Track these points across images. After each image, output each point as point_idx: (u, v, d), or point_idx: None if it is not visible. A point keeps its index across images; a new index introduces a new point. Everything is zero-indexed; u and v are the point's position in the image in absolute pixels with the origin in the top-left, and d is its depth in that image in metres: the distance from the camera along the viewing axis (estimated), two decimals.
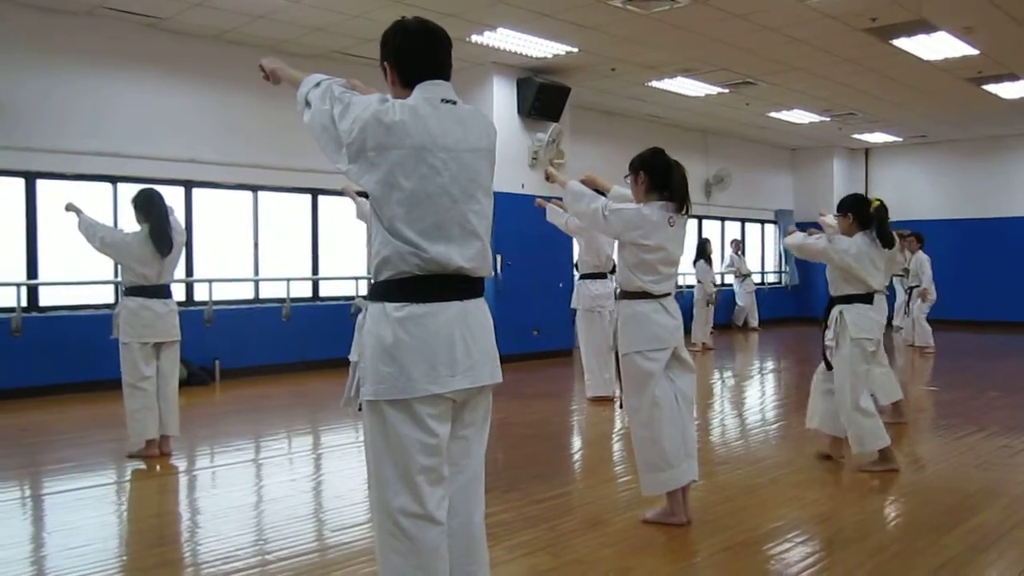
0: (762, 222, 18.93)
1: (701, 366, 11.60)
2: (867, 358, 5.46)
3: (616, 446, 6.46)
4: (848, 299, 5.46)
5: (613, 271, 7.20)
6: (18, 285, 8.62)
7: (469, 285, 2.58)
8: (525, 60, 11.06)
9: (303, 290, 11.02)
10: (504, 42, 10.19)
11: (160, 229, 5.97)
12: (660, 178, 4.34)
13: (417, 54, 2.57)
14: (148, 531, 4.50)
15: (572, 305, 8.46)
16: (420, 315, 2.47)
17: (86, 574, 3.76)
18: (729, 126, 16.24)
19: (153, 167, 9.43)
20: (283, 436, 7.07)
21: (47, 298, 8.93)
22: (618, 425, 7.19)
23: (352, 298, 10.75)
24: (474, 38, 9.99)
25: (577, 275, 8.51)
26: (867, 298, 5.47)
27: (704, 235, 16.29)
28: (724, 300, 15.83)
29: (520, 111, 11.59)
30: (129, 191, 9.30)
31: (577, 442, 6.99)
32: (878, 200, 5.59)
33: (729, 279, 16.95)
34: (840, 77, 12.07)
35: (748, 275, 16.92)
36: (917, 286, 12.79)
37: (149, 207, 6.04)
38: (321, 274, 11.14)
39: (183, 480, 5.64)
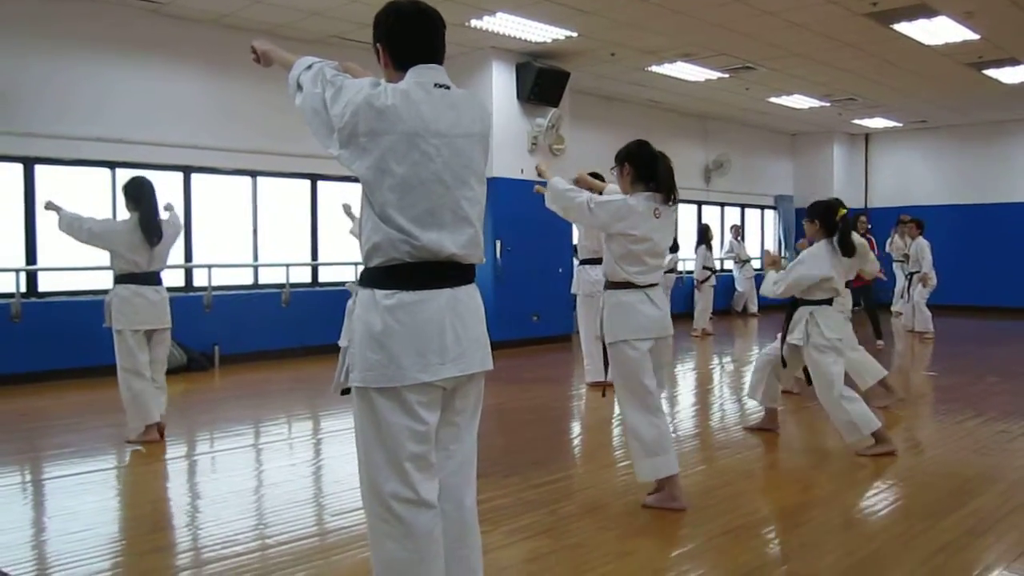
0: (762, 208, 18.91)
1: (701, 352, 11.62)
2: (841, 353, 5.64)
3: (616, 431, 6.47)
4: (816, 301, 5.64)
5: None
6: (17, 271, 8.62)
7: (460, 272, 2.55)
8: (524, 45, 11.02)
9: (302, 275, 11.02)
10: (503, 26, 10.15)
11: (149, 217, 5.93)
12: (646, 169, 4.36)
13: (410, 36, 2.54)
14: (148, 516, 4.51)
15: (572, 290, 8.47)
16: (410, 303, 2.44)
17: (86, 559, 3.76)
18: (729, 111, 16.19)
19: (152, 153, 9.42)
20: (283, 421, 7.08)
21: (46, 284, 8.93)
22: (617, 410, 7.19)
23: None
24: (473, 22, 9.95)
25: (576, 260, 8.51)
26: (830, 300, 5.69)
27: (704, 221, 16.31)
28: (724, 286, 15.83)
29: (519, 96, 11.56)
30: (128, 177, 9.33)
31: (576, 427, 7.01)
32: (844, 210, 5.78)
33: (729, 264, 16.96)
34: (840, 62, 12.03)
35: (748, 261, 16.92)
36: (917, 272, 12.78)
37: (139, 195, 6.01)
38: (320, 260, 11.13)
39: (183, 465, 5.64)
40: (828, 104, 15.38)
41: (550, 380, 9.01)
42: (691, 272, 14.77)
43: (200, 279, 10.02)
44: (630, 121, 15.13)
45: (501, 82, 11.41)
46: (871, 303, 11.74)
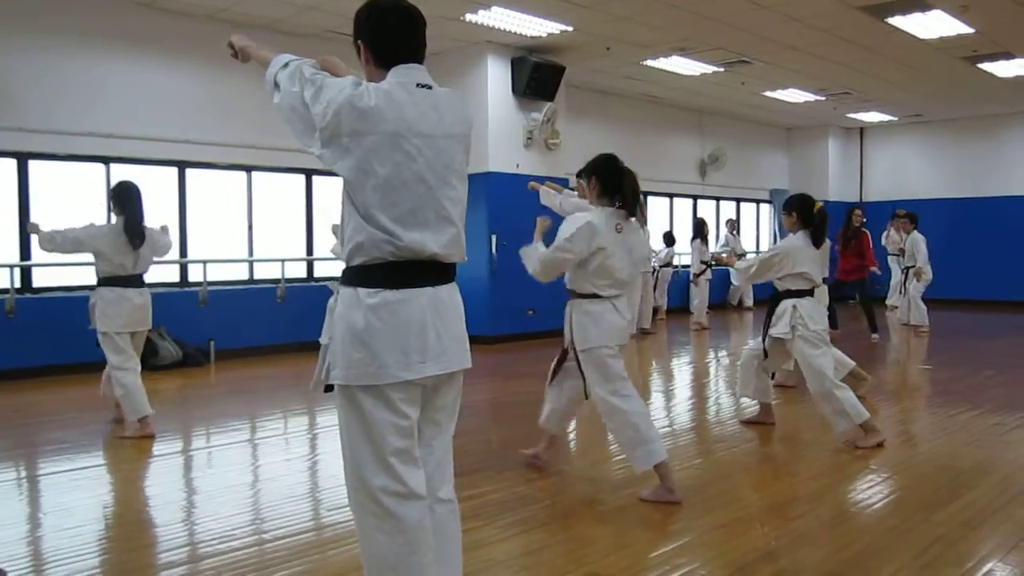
0: (757, 201, 18.91)
1: (697, 345, 11.63)
2: (828, 344, 5.74)
3: None
4: (798, 293, 5.72)
5: None
6: (11, 266, 8.60)
7: (442, 271, 2.56)
8: (519, 39, 11.00)
9: (298, 271, 11.01)
10: (498, 21, 10.13)
11: (134, 222, 6.01)
12: (611, 183, 4.50)
13: (392, 34, 2.54)
14: (143, 511, 4.52)
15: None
16: (393, 302, 2.45)
17: (81, 554, 3.76)
18: (724, 105, 16.19)
19: (147, 148, 9.40)
20: (278, 416, 7.08)
21: (41, 279, 8.92)
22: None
23: None
24: (468, 17, 9.93)
25: None
26: (811, 292, 5.77)
27: (699, 215, 16.32)
28: (719, 279, 15.85)
29: (515, 91, 11.54)
30: (123, 172, 9.32)
31: (572, 422, 7.00)
32: (821, 203, 5.94)
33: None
34: (835, 56, 12.03)
35: (743, 254, 16.92)
36: (913, 266, 12.80)
37: (126, 199, 6.07)
38: (315, 255, 11.12)
39: (178, 461, 5.64)
40: (823, 98, 15.39)
41: (545, 375, 8.94)
42: (688, 266, 14.78)
43: (195, 274, 10.00)
44: (625, 115, 15.14)
45: (496, 77, 11.39)
46: (866, 297, 11.77)
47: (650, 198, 15.58)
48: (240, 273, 10.52)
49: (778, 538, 3.87)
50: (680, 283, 15.80)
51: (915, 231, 12.86)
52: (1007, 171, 17.48)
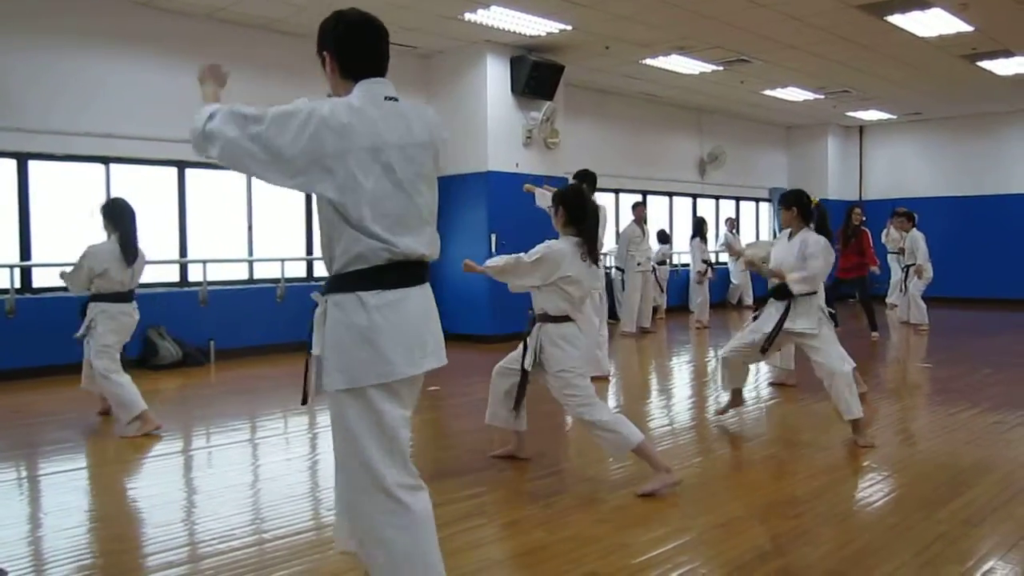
0: (756, 200, 18.90)
1: (698, 344, 11.63)
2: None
3: None
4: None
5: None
6: (11, 267, 8.60)
7: (425, 270, 2.70)
8: (519, 38, 11.00)
9: (297, 270, 11.01)
10: (498, 20, 10.13)
11: (128, 238, 6.23)
12: (576, 215, 4.76)
13: (358, 46, 2.62)
14: (144, 511, 4.51)
15: None
16: (394, 301, 2.57)
17: (82, 554, 3.76)
18: (723, 104, 16.18)
19: (146, 147, 9.39)
20: (278, 416, 7.07)
21: (40, 279, 8.90)
22: (611, 403, 7.21)
23: None
24: (467, 16, 9.93)
25: None
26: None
27: (699, 213, 16.31)
28: (719, 278, 15.85)
29: (514, 90, 11.53)
30: (122, 172, 9.33)
31: (570, 420, 7.00)
32: (817, 200, 5.98)
33: (724, 257, 16.96)
34: (834, 54, 12.03)
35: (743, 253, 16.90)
36: (913, 264, 12.80)
37: (118, 217, 6.25)
38: (315, 254, 11.11)
39: (179, 460, 5.64)
40: (822, 96, 15.38)
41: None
42: (686, 265, 14.76)
43: (195, 274, 10.00)
44: (624, 114, 15.14)
45: (495, 76, 11.38)
46: (866, 295, 11.77)
47: (649, 197, 15.58)
48: (240, 273, 10.52)
49: (778, 537, 3.88)
50: (679, 282, 15.80)
51: (913, 229, 12.87)
52: (1007, 169, 17.48)
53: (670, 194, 16.51)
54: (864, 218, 12.21)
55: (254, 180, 10.34)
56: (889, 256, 15.11)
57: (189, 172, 9.91)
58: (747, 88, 14.48)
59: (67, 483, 5.01)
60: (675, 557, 3.65)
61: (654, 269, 13.64)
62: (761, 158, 18.77)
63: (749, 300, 16.69)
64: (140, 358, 8.87)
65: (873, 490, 4.74)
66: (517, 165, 11.50)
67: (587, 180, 7.73)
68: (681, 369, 9.62)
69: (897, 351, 10.77)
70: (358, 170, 2.47)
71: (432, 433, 6.42)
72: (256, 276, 10.61)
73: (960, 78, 13.78)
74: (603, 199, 13.96)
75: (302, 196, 10.95)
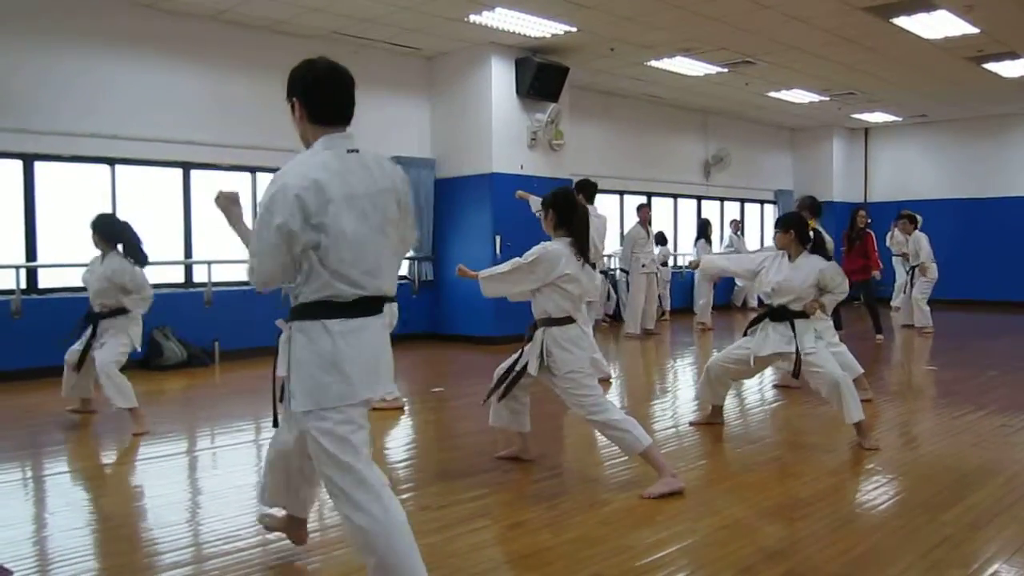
0: (761, 202, 18.88)
1: (702, 346, 11.63)
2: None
3: None
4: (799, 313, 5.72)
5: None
6: (17, 267, 8.62)
7: (382, 302, 2.89)
8: (523, 40, 11.01)
9: None
10: (502, 22, 10.14)
11: (136, 247, 6.35)
12: (565, 217, 4.79)
13: (325, 95, 2.84)
14: (149, 511, 4.52)
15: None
16: (356, 328, 2.79)
17: (86, 555, 3.77)
18: (728, 106, 16.18)
19: (150, 149, 9.41)
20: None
21: (46, 280, 8.93)
22: (618, 404, 7.20)
23: None
24: (472, 18, 9.94)
25: None
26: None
27: (704, 215, 16.31)
28: (724, 280, 15.83)
29: (519, 92, 11.54)
30: (127, 173, 9.35)
31: (573, 423, 7.00)
32: (814, 223, 6.15)
33: None
34: (839, 56, 12.02)
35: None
36: (919, 265, 12.77)
37: (114, 231, 6.37)
38: None
39: (183, 461, 5.65)
40: (827, 98, 15.37)
41: None
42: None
43: (200, 275, 10.01)
44: (629, 116, 15.14)
45: (500, 77, 11.39)
46: (871, 298, 11.76)
47: (654, 199, 15.58)
48: (244, 274, 10.50)
49: (783, 539, 3.87)
50: (683, 283, 15.79)
51: (916, 231, 12.85)
52: (1012, 171, 17.43)
53: (675, 196, 16.50)
54: (869, 220, 12.20)
55: (259, 182, 10.43)
56: (893, 259, 15.09)
57: (194, 173, 9.93)
58: (752, 90, 14.47)
59: (72, 483, 5.03)
60: (680, 559, 3.65)
61: (656, 271, 13.65)
62: (766, 160, 18.75)
63: (754, 303, 16.68)
64: (145, 359, 8.87)
65: (878, 493, 4.73)
66: (522, 167, 11.51)
67: (586, 190, 7.82)
68: (684, 371, 9.62)
69: (901, 354, 10.76)
70: (339, 217, 2.68)
71: (436, 435, 6.43)
72: None
73: (965, 80, 13.76)
74: (607, 201, 14.02)
75: None
